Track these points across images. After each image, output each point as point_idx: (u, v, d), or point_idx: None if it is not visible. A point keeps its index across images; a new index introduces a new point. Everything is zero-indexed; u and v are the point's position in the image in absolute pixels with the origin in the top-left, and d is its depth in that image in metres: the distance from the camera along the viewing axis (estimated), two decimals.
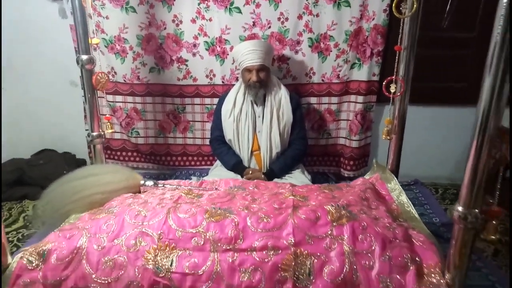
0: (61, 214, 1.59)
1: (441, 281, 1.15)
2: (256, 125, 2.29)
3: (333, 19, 2.36)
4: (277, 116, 2.25)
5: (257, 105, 2.28)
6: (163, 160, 2.84)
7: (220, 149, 2.38)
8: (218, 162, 2.48)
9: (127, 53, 2.53)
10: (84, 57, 1.73)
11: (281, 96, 2.27)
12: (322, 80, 2.54)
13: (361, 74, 2.47)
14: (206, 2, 2.39)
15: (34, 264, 1.23)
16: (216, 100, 2.47)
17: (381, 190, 1.74)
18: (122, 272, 1.20)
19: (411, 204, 1.62)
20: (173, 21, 2.45)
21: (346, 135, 2.66)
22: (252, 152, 2.31)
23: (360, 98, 2.52)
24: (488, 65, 0.91)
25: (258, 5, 2.38)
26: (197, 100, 2.67)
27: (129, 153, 2.84)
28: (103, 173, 1.73)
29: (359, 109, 2.53)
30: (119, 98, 2.67)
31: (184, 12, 2.43)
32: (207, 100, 2.66)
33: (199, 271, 1.20)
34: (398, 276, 1.17)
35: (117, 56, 2.55)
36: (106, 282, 1.20)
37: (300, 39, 2.44)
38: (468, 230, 1.05)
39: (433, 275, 1.17)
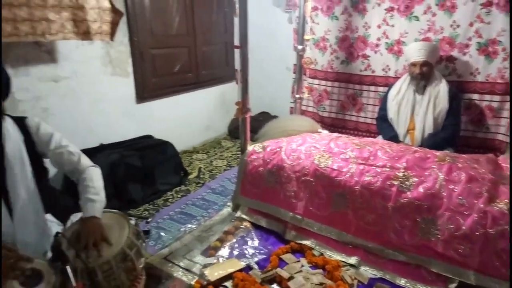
0: (273, 137, 2.72)
1: (504, 207, 1.65)
2: (415, 109, 2.90)
3: (502, 26, 2.71)
4: (433, 103, 2.80)
5: (418, 94, 2.89)
6: (339, 131, 3.74)
7: (383, 125, 3.10)
8: (379, 137, 3.20)
9: (327, 49, 3.55)
10: (300, 47, 2.82)
11: (440, 88, 2.80)
12: (486, 79, 2.89)
13: None
14: (391, 12, 3.14)
15: (259, 150, 2.37)
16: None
17: (502, 163, 2.15)
18: (301, 161, 2.19)
19: None
20: (364, 26, 3.30)
21: (505, 132, 2.91)
22: (408, 130, 2.94)
23: None
24: None
25: (434, 15, 2.96)
26: (372, 88, 3.45)
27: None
28: (297, 119, 2.80)
29: None
30: (315, 81, 3.74)
31: (373, 20, 3.24)
32: (380, 88, 3.40)
33: (342, 170, 2.06)
34: (473, 200, 1.73)
35: (320, 51, 3.61)
36: (292, 164, 2.21)
37: (469, 43, 2.88)
38: None
39: (499, 203, 1.67)
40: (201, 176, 3.17)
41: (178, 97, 3.53)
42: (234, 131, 4.18)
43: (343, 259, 1.98)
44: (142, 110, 3.19)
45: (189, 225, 2.39)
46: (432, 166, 1.93)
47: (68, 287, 1.39)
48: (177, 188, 2.93)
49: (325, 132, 2.71)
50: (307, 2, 2.76)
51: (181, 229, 2.35)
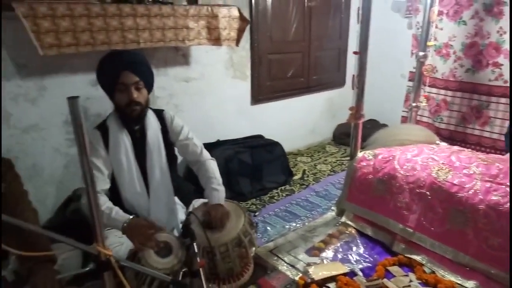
0: (384, 146, 2.64)
1: None
2: None
3: None
4: None
5: None
6: (458, 145, 3.42)
7: None
8: (508, 155, 2.85)
9: (450, 56, 3.30)
10: (421, 53, 2.69)
11: None
12: None
13: None
14: None
15: (369, 157, 2.34)
16: None
17: None
18: (416, 172, 2.10)
19: None
20: (498, 31, 2.98)
21: None
22: None
23: None
24: None
25: None
26: (502, 100, 3.09)
27: None
28: (412, 129, 2.67)
29: None
30: (434, 90, 3.50)
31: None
32: None
33: (464, 186, 1.91)
34: None
35: (441, 58, 3.37)
36: (405, 175, 2.13)
37: None
38: None
39: None
40: (305, 178, 3.24)
41: (288, 100, 3.66)
42: (339, 137, 4.15)
43: (459, 281, 1.84)
44: (255, 111, 3.40)
45: (293, 224, 2.47)
46: None
47: (193, 262, 1.59)
48: (282, 187, 3.05)
49: (444, 144, 2.53)
50: (434, 6, 2.61)
51: (286, 226, 2.44)
